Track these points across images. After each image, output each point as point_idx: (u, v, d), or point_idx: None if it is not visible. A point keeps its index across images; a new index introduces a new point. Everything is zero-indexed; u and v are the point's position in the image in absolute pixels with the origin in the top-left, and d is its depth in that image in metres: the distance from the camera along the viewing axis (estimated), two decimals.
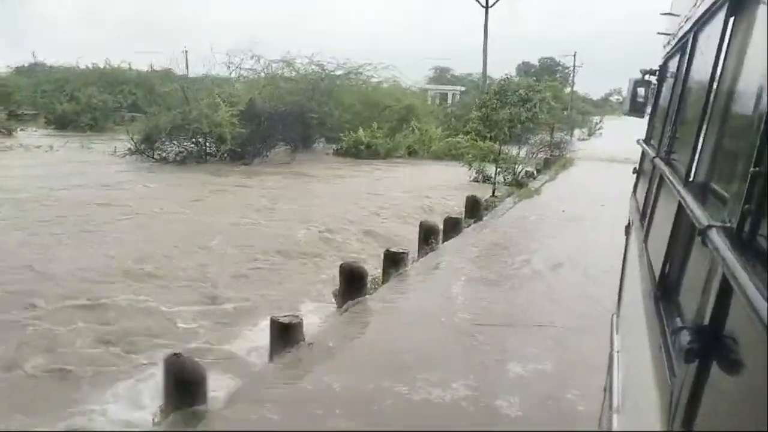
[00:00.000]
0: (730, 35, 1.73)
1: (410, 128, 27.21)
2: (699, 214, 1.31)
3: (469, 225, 11.05)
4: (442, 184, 18.01)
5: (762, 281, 0.73)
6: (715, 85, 1.88)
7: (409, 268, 7.84)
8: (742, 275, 0.79)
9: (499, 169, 17.76)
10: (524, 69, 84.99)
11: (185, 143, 22.22)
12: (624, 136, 18.32)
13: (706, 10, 2.15)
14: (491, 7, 35.44)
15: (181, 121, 21.69)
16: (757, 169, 0.92)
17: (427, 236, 9.16)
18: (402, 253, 7.80)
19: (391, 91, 30.65)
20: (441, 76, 69.90)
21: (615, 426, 2.13)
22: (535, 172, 19.52)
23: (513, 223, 11.63)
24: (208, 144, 22.44)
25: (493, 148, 24.07)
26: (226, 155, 22.43)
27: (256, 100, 22.92)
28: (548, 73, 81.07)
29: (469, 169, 18.47)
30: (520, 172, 18.15)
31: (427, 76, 70.15)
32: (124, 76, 40.74)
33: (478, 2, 35.98)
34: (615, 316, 3.49)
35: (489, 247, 9.75)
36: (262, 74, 27.53)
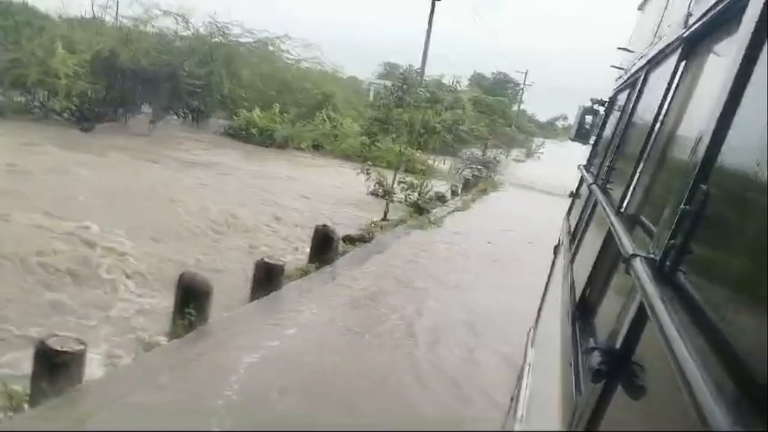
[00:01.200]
0: (680, 78, 1.88)
1: (322, 118, 22.84)
2: (626, 242, 1.38)
3: (307, 274, 6.95)
4: (333, 195, 13.79)
5: (677, 313, 0.80)
6: (658, 124, 2.00)
7: None
8: (659, 306, 0.84)
9: (402, 185, 13.85)
10: (476, 80, 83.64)
11: (11, 92, 16.77)
12: (563, 163, 15.06)
13: (660, 51, 2.37)
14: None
15: (8, 64, 16.24)
16: (687, 207, 0.99)
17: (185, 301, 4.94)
18: None
19: (307, 73, 26.03)
20: (390, 72, 66.23)
21: None
22: (448, 194, 15.78)
23: (378, 275, 7.58)
24: (42, 97, 17.10)
25: (413, 156, 20.43)
26: (69, 115, 17.19)
27: (120, 53, 17.68)
28: (500, 87, 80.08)
29: (367, 179, 14.29)
30: (427, 192, 14.25)
31: (376, 72, 66.73)
32: None
33: None
34: (532, 330, 3.57)
35: (297, 342, 5.51)
36: (150, 28, 22.09)
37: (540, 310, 3.66)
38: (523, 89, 75.42)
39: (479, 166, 21.47)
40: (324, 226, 7.55)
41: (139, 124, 18.29)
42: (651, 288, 0.92)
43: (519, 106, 68.20)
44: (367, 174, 14.09)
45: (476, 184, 18.68)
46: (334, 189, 14.54)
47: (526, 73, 67.96)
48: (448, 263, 8.83)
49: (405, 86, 22.69)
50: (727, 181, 0.95)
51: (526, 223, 13.27)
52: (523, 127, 68.40)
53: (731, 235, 0.89)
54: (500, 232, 11.99)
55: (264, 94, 22.94)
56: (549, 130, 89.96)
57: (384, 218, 11.95)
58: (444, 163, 22.89)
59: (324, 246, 7.46)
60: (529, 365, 2.84)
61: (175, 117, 22.68)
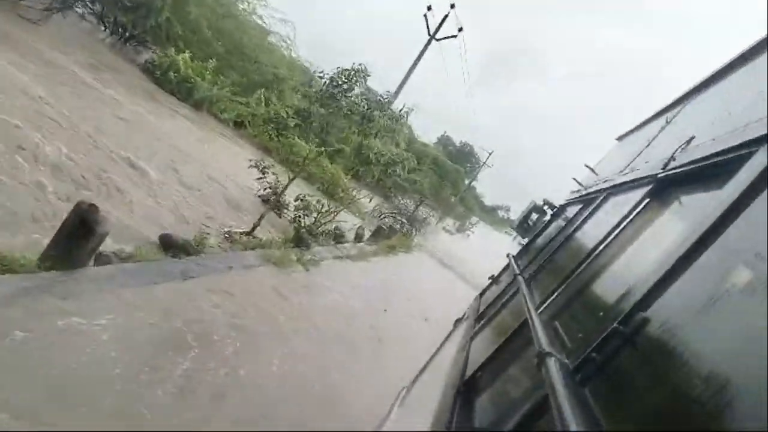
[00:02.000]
0: (637, 214, 1.92)
1: (259, 97, 19.74)
2: (543, 340, 1.36)
3: None
4: (217, 182, 10.60)
5: (582, 420, 0.85)
6: (601, 246, 2.03)
7: None
8: (567, 409, 0.87)
9: (300, 201, 10.93)
10: (444, 141, 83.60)
11: None
12: (488, 250, 13.15)
13: (628, 182, 2.43)
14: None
15: None
16: (621, 328, 1.04)
17: None
18: None
19: (269, 48, 22.99)
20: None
21: None
22: (350, 236, 13.06)
23: (120, 328, 4.56)
24: None
25: (336, 177, 17.65)
26: None
27: None
28: (462, 157, 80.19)
29: (260, 178, 11.21)
30: (325, 222, 11.39)
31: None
32: None
33: (427, 29, 30.41)
34: (405, 390, 3.45)
35: None
36: None
37: (420, 373, 3.54)
38: (480, 167, 75.92)
39: (403, 220, 19.13)
40: (89, 205, 4.45)
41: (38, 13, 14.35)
42: (561, 389, 0.96)
43: (470, 182, 67.98)
44: (262, 172, 11.06)
45: (389, 236, 16.12)
46: (224, 177, 11.36)
47: (490, 153, 68.05)
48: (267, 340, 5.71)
49: (346, 85, 20.02)
50: (664, 317, 1.02)
51: (422, 305, 10.76)
52: (467, 203, 68.27)
53: (652, 367, 0.95)
54: (385, 302, 9.34)
55: (209, 47, 19.59)
56: (489, 214, 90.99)
57: (250, 232, 8.99)
58: (370, 201, 20.42)
59: (76, 236, 4.40)
60: (392, 423, 2.77)
61: (102, 28, 18.77)
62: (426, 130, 63.17)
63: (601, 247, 2.02)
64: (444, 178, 56.85)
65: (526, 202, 5.36)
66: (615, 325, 1.07)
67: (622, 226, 1.97)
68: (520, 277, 2.86)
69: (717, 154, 1.43)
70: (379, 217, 18.55)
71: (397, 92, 27.08)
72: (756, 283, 0.87)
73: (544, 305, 2.03)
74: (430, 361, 3.60)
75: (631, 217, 1.96)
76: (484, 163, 69.59)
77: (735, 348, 0.82)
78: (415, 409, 2.63)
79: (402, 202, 24.29)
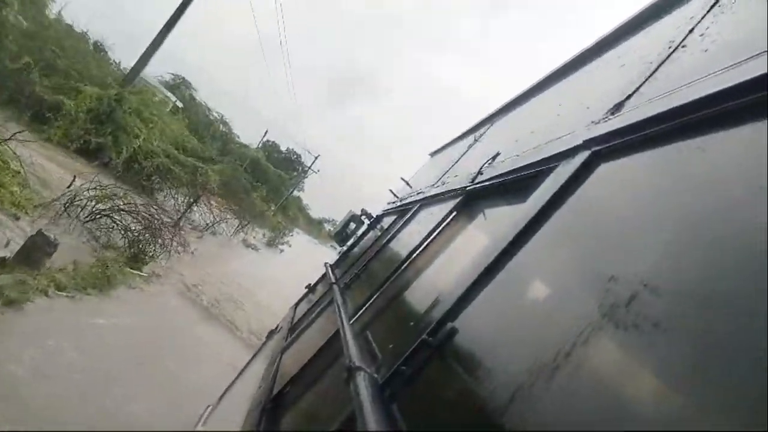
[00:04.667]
0: (446, 225, 1.99)
1: None
2: (353, 353, 1.35)
3: None
4: None
5: None
6: (413, 256, 2.08)
7: None
8: (373, 425, 0.87)
9: None
10: (268, 147, 75.33)
11: None
12: (305, 269, 9.09)
13: (439, 195, 2.56)
14: None
15: None
16: (429, 339, 1.05)
17: None
18: None
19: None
20: (176, 85, 53.15)
21: None
22: None
23: None
24: None
25: None
26: None
27: None
28: (288, 165, 72.88)
29: None
30: None
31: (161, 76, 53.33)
32: None
33: None
34: (211, 407, 3.38)
35: None
36: None
37: (228, 389, 3.44)
38: (305, 173, 69.27)
39: (138, 227, 10.46)
40: None
41: None
42: (369, 405, 0.94)
43: (292, 190, 60.69)
44: None
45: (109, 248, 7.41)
46: None
47: (317, 157, 61.51)
48: None
49: None
50: (470, 328, 1.05)
51: None
52: (291, 213, 60.74)
53: (460, 377, 0.94)
54: None
55: None
56: (316, 227, 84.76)
57: None
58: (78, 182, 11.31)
59: None
60: None
61: None
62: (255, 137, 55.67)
63: (412, 257, 2.05)
64: (264, 184, 48.73)
65: (351, 208, 5.58)
66: (424, 336, 1.08)
67: (432, 236, 2.03)
68: (335, 286, 2.87)
69: (520, 168, 1.52)
70: (80, 217, 9.73)
71: (144, 59, 17.83)
72: (555, 293, 0.95)
73: (358, 315, 1.99)
74: (239, 377, 3.50)
75: (441, 227, 2.02)
76: (310, 167, 63.07)
77: (536, 356, 0.82)
78: (219, 428, 2.55)
79: (165, 196, 15.60)
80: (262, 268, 19.70)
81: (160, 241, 10.59)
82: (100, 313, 6.79)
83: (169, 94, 45.95)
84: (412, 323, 1.32)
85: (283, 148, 78.21)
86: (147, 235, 10.25)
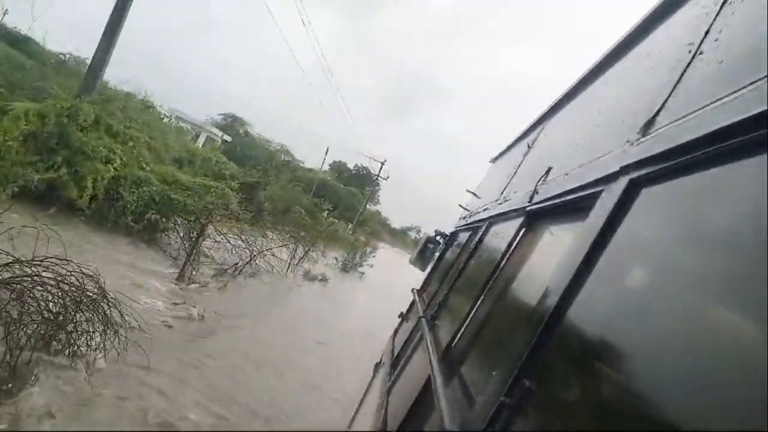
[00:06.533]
0: (517, 244, 1.94)
1: None
2: (446, 413, 1.34)
3: None
4: None
5: None
6: (492, 279, 1.99)
7: None
8: None
9: None
10: (337, 168, 72.34)
11: None
12: (393, 294, 10.35)
13: (504, 213, 2.41)
14: None
15: None
16: (507, 401, 1.03)
17: None
18: None
19: None
20: (229, 124, 50.95)
21: None
22: None
23: None
24: None
25: None
26: None
27: None
28: (358, 181, 69.31)
29: None
30: None
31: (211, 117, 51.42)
32: None
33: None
34: None
35: None
36: None
37: (350, 426, 3.47)
38: (379, 184, 64.52)
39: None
40: None
41: None
42: None
43: (366, 203, 56.01)
44: None
45: None
46: None
47: (383, 163, 56.28)
48: None
49: None
50: (559, 355, 1.05)
51: None
52: (372, 229, 56.27)
53: (560, 411, 0.96)
54: None
55: None
56: (400, 238, 79.83)
57: None
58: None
59: None
60: None
61: None
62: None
63: (491, 281, 1.99)
64: (336, 204, 44.70)
65: (435, 223, 5.32)
66: (502, 398, 1.06)
67: (506, 257, 1.96)
68: (422, 320, 2.84)
69: (570, 191, 1.49)
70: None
71: (101, 55, 12.65)
72: (627, 309, 0.93)
73: (449, 352, 1.97)
74: (356, 416, 3.48)
75: (512, 248, 1.95)
76: (378, 174, 58.00)
77: (618, 378, 0.85)
78: None
79: (180, 238, 10.67)
80: (329, 307, 14.17)
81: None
82: None
83: (215, 130, 43.14)
84: (490, 379, 1.25)
85: (350, 166, 74.90)
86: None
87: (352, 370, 7.78)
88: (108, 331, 5.34)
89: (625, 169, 1.16)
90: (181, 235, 11.32)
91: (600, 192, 1.24)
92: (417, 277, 5.55)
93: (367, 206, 62.25)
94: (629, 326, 0.89)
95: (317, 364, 8.41)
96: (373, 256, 28.56)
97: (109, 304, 5.37)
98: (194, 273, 10.30)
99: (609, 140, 1.40)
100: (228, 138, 42.94)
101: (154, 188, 11.43)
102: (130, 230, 10.93)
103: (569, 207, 1.48)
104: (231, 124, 51.93)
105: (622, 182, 1.13)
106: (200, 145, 27.79)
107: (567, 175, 1.61)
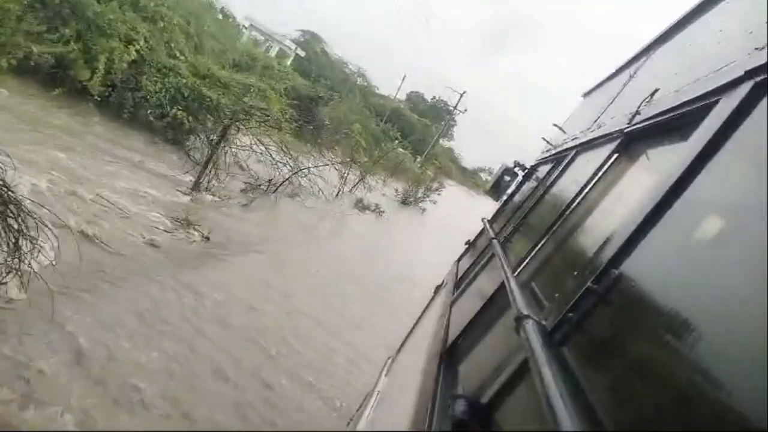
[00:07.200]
0: (609, 168, 1.87)
1: None
2: (520, 303, 1.35)
3: None
4: None
5: (561, 382, 0.82)
6: (573, 204, 1.98)
7: None
8: (546, 370, 0.85)
9: None
10: (413, 98, 69.34)
11: None
12: (453, 232, 8.81)
13: (596, 138, 2.35)
14: None
15: None
16: (594, 287, 1.03)
17: None
18: None
19: None
20: (307, 40, 48.78)
21: None
22: None
23: None
24: None
25: None
26: None
27: None
28: (434, 113, 66.11)
29: None
30: None
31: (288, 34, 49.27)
32: None
33: None
34: (391, 359, 3.43)
35: None
36: None
37: (405, 342, 3.52)
38: (454, 118, 60.75)
39: None
40: None
41: None
42: (540, 351, 0.94)
43: (438, 137, 52.95)
44: None
45: None
46: None
47: (462, 95, 52.39)
48: None
49: None
50: (637, 273, 1.00)
51: None
52: (442, 164, 53.62)
53: (628, 323, 0.94)
54: None
55: None
56: (471, 178, 76.48)
57: None
58: None
59: None
60: (378, 393, 2.77)
61: None
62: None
63: (573, 206, 2.01)
64: (409, 135, 42.43)
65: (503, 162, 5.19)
66: (589, 284, 1.07)
67: (592, 183, 1.96)
68: (495, 241, 2.85)
69: (680, 105, 1.45)
70: None
71: None
72: (726, 233, 0.89)
73: (521, 267, 2.01)
74: (413, 330, 3.54)
75: (600, 173, 1.94)
76: (455, 106, 54.28)
77: (708, 300, 0.81)
78: (400, 377, 2.66)
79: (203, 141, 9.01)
80: (374, 247, 12.27)
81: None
82: None
83: (288, 42, 41.16)
84: (576, 272, 1.27)
85: (428, 97, 71.28)
86: None
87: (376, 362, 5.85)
88: (18, 251, 3.64)
89: (750, 74, 1.07)
90: (209, 138, 9.59)
91: (715, 102, 1.17)
92: (481, 215, 4.68)
93: (440, 141, 59.37)
94: (732, 251, 0.81)
95: (329, 338, 6.36)
96: (439, 194, 26.22)
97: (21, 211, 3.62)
98: (214, 183, 8.60)
99: (731, 53, 1.32)
100: (302, 53, 40.91)
101: (184, 80, 9.66)
102: (150, 126, 9.32)
103: (676, 124, 1.42)
104: (309, 40, 49.76)
105: (746, 87, 1.05)
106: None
107: (677, 91, 1.55)
